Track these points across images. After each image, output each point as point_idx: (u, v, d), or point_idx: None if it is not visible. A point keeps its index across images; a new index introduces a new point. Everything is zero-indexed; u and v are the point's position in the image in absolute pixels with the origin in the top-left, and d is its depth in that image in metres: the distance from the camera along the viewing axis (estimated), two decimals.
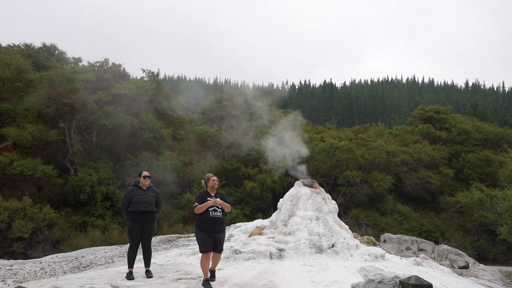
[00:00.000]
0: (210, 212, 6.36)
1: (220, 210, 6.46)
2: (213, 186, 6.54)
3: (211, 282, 6.48)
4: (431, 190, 27.02)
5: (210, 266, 6.59)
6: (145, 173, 6.93)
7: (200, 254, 6.49)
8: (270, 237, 9.12)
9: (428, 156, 27.46)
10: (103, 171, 21.14)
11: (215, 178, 6.61)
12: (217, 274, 6.97)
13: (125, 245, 12.49)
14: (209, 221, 6.34)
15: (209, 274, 6.51)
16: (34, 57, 27.30)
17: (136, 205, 6.63)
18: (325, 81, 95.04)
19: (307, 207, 9.31)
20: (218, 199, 6.47)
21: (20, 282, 7.86)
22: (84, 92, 22.20)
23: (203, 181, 6.71)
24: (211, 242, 6.38)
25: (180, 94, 28.25)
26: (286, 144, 11.87)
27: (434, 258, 11.92)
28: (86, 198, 20.46)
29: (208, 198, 6.44)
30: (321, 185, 12.17)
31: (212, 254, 6.52)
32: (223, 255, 8.38)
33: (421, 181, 26.45)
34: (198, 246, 6.54)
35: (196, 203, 6.38)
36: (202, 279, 6.54)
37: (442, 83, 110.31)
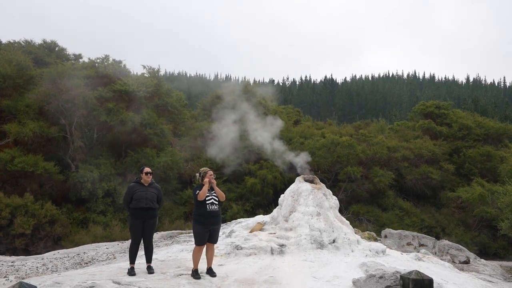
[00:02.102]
0: (208, 205, 6.48)
1: (217, 204, 6.58)
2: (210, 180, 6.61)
3: (212, 278, 6.56)
4: (432, 186, 27.00)
5: (203, 258, 6.74)
6: (147, 169, 6.94)
7: (193, 246, 6.57)
8: (271, 233, 9.13)
9: (429, 151, 27.44)
10: (104, 168, 21.15)
11: (211, 172, 6.69)
12: (218, 269, 7.00)
13: (126, 241, 12.52)
14: (207, 214, 6.47)
15: (198, 265, 6.61)
16: (35, 53, 27.27)
17: (137, 202, 6.67)
18: (325, 77, 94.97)
19: (308, 203, 9.31)
20: (214, 178, 6.67)
21: (22, 278, 7.89)
22: (84, 89, 22.18)
23: (197, 174, 6.77)
24: (207, 235, 6.55)
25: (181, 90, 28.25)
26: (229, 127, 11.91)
27: (435, 253, 11.92)
28: (87, 194, 20.48)
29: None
30: (322, 181, 12.17)
31: (206, 246, 6.62)
32: (224, 251, 8.42)
33: (422, 176, 26.44)
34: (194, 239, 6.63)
35: (197, 191, 6.49)
36: (202, 274, 6.62)
37: (443, 79, 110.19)
